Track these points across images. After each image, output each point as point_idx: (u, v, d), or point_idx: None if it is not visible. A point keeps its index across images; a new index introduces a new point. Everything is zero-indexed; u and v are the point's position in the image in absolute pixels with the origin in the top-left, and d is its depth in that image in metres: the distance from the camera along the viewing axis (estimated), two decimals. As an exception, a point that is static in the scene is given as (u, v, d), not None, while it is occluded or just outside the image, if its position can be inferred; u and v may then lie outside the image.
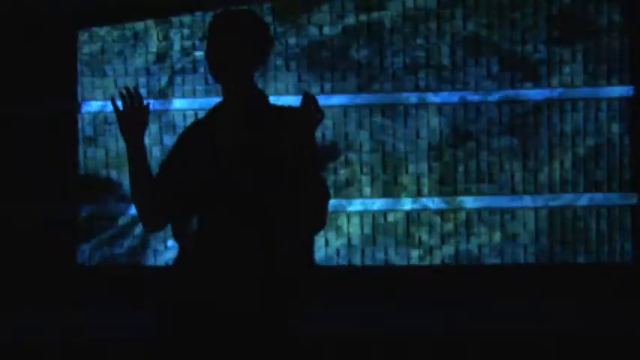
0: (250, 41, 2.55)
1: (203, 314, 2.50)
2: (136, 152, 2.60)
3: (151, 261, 7.09)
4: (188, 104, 7.10)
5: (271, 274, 2.48)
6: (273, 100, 2.72)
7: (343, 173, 6.97)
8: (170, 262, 7.05)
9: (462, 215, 6.92)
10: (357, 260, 6.96)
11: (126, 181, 7.14)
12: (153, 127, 7.06)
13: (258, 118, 2.55)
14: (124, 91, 2.59)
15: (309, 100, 2.41)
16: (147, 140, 2.69)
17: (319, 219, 2.50)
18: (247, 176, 2.48)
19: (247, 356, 2.47)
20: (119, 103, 2.66)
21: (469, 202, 6.91)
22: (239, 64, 2.55)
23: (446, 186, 6.94)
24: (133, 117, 2.59)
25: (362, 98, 6.98)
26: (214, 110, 2.67)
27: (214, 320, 2.48)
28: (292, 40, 6.97)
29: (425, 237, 6.94)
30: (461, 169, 6.93)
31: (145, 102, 2.63)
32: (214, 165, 2.53)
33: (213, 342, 2.49)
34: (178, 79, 7.13)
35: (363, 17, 7.01)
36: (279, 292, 2.49)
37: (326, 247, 6.93)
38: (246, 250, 2.48)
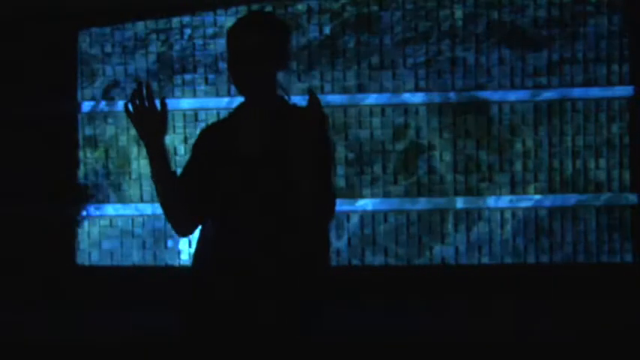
0: (273, 45, 2.49)
1: (224, 315, 2.47)
2: (157, 156, 2.46)
3: (150, 261, 7.08)
4: (188, 104, 7.09)
5: (290, 276, 2.46)
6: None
7: (343, 173, 6.97)
8: (169, 263, 7.06)
9: (462, 215, 6.92)
10: (357, 260, 6.96)
11: (125, 181, 7.14)
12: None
13: (279, 122, 2.48)
14: (135, 90, 2.41)
15: (313, 99, 2.38)
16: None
17: (316, 222, 2.46)
18: (268, 180, 2.44)
19: (268, 356, 2.45)
20: (131, 106, 2.46)
21: (469, 202, 6.91)
22: (263, 70, 2.49)
23: (446, 186, 6.94)
24: (148, 118, 2.42)
25: (362, 98, 6.98)
26: (236, 112, 2.62)
27: (235, 321, 2.45)
28: (292, 40, 6.97)
29: (425, 237, 6.94)
30: (461, 168, 6.93)
31: (158, 101, 2.44)
32: (236, 168, 2.50)
33: (236, 343, 2.46)
34: (178, 79, 7.13)
35: (363, 16, 7.01)
36: (299, 294, 2.46)
37: (326, 247, 6.92)
38: (266, 252, 2.45)
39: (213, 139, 2.61)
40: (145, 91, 2.41)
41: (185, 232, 2.64)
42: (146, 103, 2.42)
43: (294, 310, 2.47)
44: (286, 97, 2.61)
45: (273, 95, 2.58)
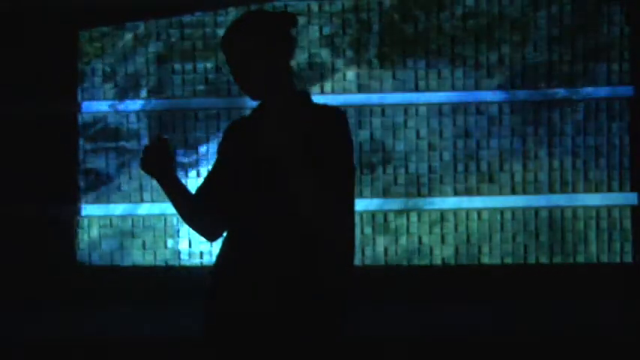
0: (260, 42, 2.45)
1: (247, 322, 2.44)
2: (169, 185, 2.53)
3: (150, 261, 7.08)
4: (188, 104, 7.09)
5: (312, 280, 2.42)
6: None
7: (343, 173, 6.96)
8: (169, 263, 7.06)
9: (462, 215, 6.92)
10: (357, 260, 6.95)
11: (125, 181, 7.14)
12: (153, 128, 7.06)
13: (298, 122, 2.39)
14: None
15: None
16: (147, 140, 2.63)
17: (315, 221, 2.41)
18: (280, 183, 2.39)
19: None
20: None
21: (469, 202, 6.91)
22: (260, 69, 2.45)
23: (446, 186, 6.94)
24: (153, 158, 2.49)
25: (362, 98, 6.98)
26: (256, 111, 2.58)
27: (257, 326, 2.42)
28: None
29: (425, 237, 6.94)
30: (461, 169, 6.93)
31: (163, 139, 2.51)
32: (248, 170, 2.47)
33: (240, 345, 2.43)
34: (178, 79, 7.13)
35: (362, 16, 7.01)
36: (321, 297, 2.42)
37: (326, 247, 6.92)
38: (284, 257, 2.42)
39: (233, 138, 2.59)
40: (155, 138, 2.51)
41: (211, 238, 2.66)
42: (155, 143, 2.50)
43: (326, 312, 2.42)
44: (306, 88, 2.57)
45: (288, 91, 2.53)
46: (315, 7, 7.04)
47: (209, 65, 7.09)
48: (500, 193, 6.90)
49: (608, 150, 6.85)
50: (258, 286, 2.42)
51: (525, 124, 6.90)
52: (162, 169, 2.50)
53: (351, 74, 7.01)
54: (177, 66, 7.13)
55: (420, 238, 6.94)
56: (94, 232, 7.15)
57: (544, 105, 6.89)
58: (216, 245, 2.67)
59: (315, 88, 6.93)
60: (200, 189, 2.63)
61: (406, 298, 6.55)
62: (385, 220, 6.97)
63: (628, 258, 6.80)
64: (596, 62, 6.86)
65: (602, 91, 6.84)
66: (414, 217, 6.95)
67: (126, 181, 7.14)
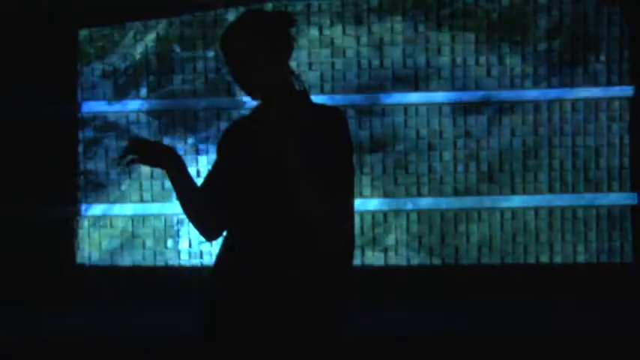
0: (260, 42, 2.46)
1: (246, 321, 2.43)
2: (177, 173, 2.53)
3: (150, 261, 7.08)
4: (188, 104, 7.09)
5: (311, 280, 2.41)
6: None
7: (343, 173, 6.96)
8: (169, 263, 7.06)
9: (462, 215, 6.92)
10: (357, 260, 6.95)
11: (125, 181, 7.14)
12: (153, 127, 7.06)
13: (297, 123, 2.36)
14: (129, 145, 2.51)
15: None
16: (146, 140, 2.61)
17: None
18: (279, 186, 2.39)
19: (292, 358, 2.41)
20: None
21: (469, 202, 6.91)
22: (260, 70, 2.46)
23: (446, 186, 6.94)
24: (158, 152, 2.51)
25: (362, 98, 6.98)
26: (255, 111, 2.58)
27: (256, 325, 2.42)
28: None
29: (425, 237, 6.94)
30: (461, 169, 6.93)
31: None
32: (247, 173, 2.47)
33: (257, 346, 2.43)
34: (178, 79, 7.13)
35: (363, 17, 7.01)
36: (320, 297, 2.42)
37: (326, 247, 6.92)
38: (284, 257, 2.42)
39: (233, 138, 2.59)
40: (135, 143, 2.50)
41: (210, 237, 2.66)
42: (146, 145, 2.53)
43: (325, 309, 2.42)
44: (305, 88, 2.57)
45: (288, 91, 2.54)
46: (315, 7, 7.04)
47: (209, 65, 7.09)
48: (501, 193, 6.90)
49: (608, 150, 6.85)
50: (257, 286, 2.42)
51: (524, 124, 6.90)
52: (165, 158, 2.50)
53: (351, 74, 7.01)
54: (177, 65, 7.13)
55: (420, 238, 6.94)
56: (94, 232, 7.15)
57: (543, 105, 6.88)
58: (217, 245, 2.67)
59: (315, 88, 6.93)
60: (199, 189, 2.63)
61: (406, 298, 6.55)
62: (385, 220, 6.96)
63: (628, 258, 6.80)
64: (596, 62, 6.86)
65: (602, 91, 6.83)
66: (414, 217, 6.95)
67: (126, 181, 7.14)
